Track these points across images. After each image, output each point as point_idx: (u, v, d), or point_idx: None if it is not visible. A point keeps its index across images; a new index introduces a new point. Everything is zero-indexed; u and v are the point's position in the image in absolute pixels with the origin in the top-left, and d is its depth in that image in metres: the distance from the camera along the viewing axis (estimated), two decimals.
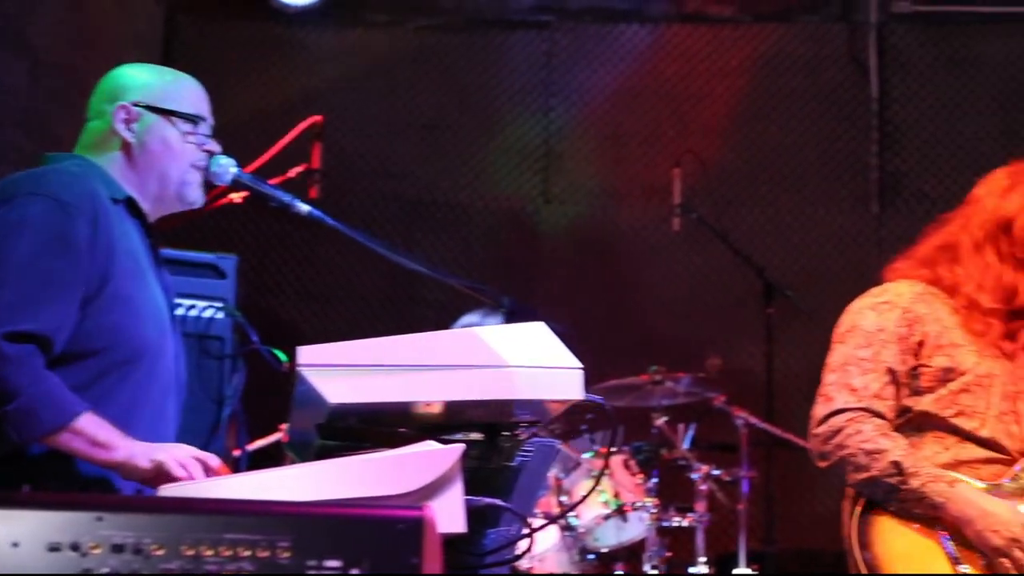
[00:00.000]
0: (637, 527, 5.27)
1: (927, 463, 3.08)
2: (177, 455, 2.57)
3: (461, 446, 2.24)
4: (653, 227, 6.51)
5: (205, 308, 3.84)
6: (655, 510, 5.21)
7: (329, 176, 6.49)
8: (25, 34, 4.98)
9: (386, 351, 2.36)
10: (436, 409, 2.45)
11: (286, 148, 4.68)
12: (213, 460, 2.55)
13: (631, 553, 5.41)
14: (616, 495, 5.27)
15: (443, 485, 2.19)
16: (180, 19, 6.76)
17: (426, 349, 2.38)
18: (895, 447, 3.06)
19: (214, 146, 2.97)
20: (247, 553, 1.74)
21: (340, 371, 2.35)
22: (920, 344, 3.17)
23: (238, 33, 6.77)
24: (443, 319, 5.84)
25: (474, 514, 2.47)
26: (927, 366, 3.16)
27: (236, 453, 4.07)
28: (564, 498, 5.31)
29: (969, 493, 3.04)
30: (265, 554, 1.75)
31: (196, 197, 2.93)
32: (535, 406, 2.58)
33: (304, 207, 2.94)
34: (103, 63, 5.38)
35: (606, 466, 5.34)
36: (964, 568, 3.01)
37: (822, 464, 3.14)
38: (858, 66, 6.63)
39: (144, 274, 2.80)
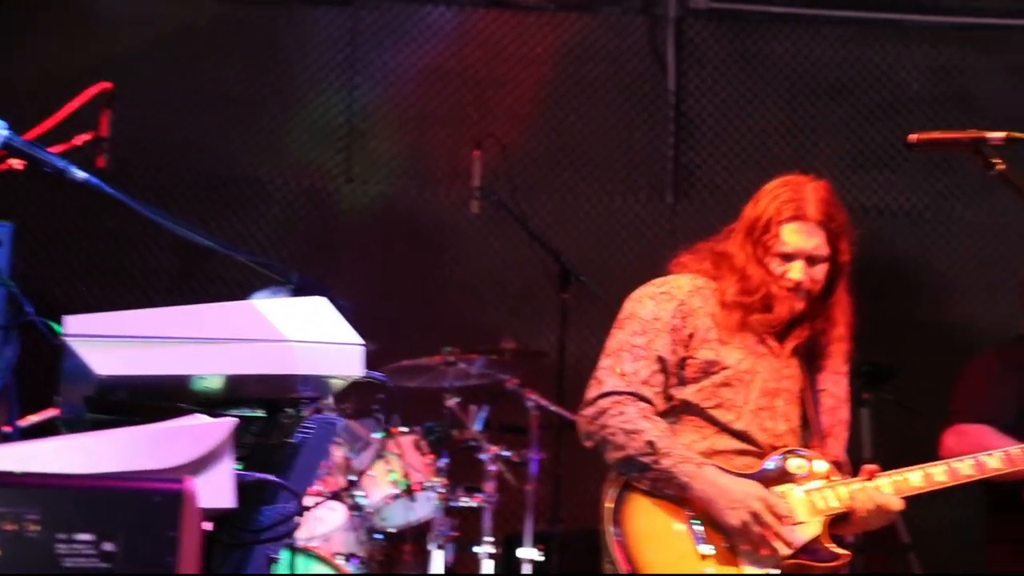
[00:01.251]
0: (425, 507, 5.29)
1: (681, 447, 3.22)
2: None
3: (232, 420, 2.20)
4: (454, 209, 6.53)
5: None
6: (443, 490, 5.24)
7: (124, 146, 6.29)
8: None
9: (160, 322, 2.30)
10: (213, 383, 2.41)
11: (80, 116, 4.52)
12: None
13: (419, 533, 5.43)
14: (405, 475, 5.28)
15: (212, 459, 2.15)
16: None
17: (202, 321, 2.33)
18: (653, 428, 3.21)
19: None
20: None
21: (109, 342, 2.29)
22: (691, 336, 3.32)
23: None
24: (239, 296, 5.73)
25: (249, 489, 2.44)
26: (694, 358, 3.31)
27: (6, 429, 3.93)
28: (353, 478, 5.29)
29: (713, 475, 3.19)
30: (12, 527, 1.69)
31: None
32: (316, 382, 2.55)
33: (81, 174, 2.84)
34: None
35: (383, 445, 5.33)
36: (706, 549, 3.17)
37: (588, 444, 3.30)
38: (657, 59, 6.78)
39: None
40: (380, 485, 5.30)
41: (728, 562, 3.18)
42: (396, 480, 5.30)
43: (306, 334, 2.38)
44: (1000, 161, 2.96)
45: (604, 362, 3.35)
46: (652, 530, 3.20)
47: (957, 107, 6.74)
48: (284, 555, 4.68)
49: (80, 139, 4.59)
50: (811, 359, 3.45)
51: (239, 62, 6.63)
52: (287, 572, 4.48)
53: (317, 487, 5.14)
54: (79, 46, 6.43)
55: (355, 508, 5.23)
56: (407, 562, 5.57)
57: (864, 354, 6.23)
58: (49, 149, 4.24)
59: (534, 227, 5.98)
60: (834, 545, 3.26)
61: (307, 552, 4.93)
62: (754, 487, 3.21)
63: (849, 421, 3.55)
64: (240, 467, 2.47)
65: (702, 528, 3.19)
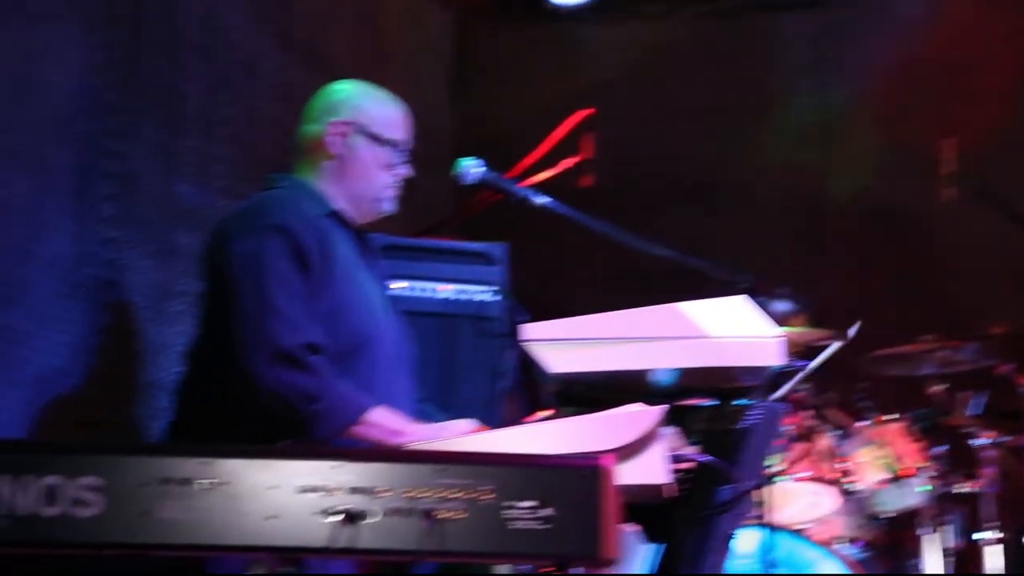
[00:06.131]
0: (919, 493, 5.30)
1: None
2: (461, 430, 2.87)
3: (662, 408, 2.51)
4: (931, 197, 6.42)
5: (478, 292, 4.27)
6: (935, 475, 5.22)
7: (611, 165, 6.81)
8: (320, 50, 5.29)
9: (595, 326, 2.68)
10: (660, 377, 2.74)
11: (560, 142, 4.98)
12: None
13: (914, 518, 5.44)
14: (895, 461, 5.33)
15: (646, 441, 2.46)
16: (469, 25, 7.18)
17: (633, 323, 2.68)
18: None
19: (407, 171, 3.28)
20: (458, 494, 2.09)
21: (558, 344, 2.69)
22: None
23: (517, 35, 7.14)
24: (718, 293, 6.01)
25: (706, 471, 2.75)
26: None
27: None
28: (841, 464, 5.41)
29: None
30: (472, 495, 2.09)
31: (389, 208, 3.24)
32: (753, 372, 2.81)
33: (540, 199, 3.29)
34: (397, 74, 5.85)
35: (869, 432, 5.38)
36: None
37: None
38: None
39: (355, 275, 3.10)
40: (870, 471, 5.39)
41: None
42: (886, 466, 5.37)
43: (726, 330, 2.67)
44: None
45: None
46: None
47: None
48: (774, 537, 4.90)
49: (567, 163, 5.08)
50: None
51: (711, 74, 6.94)
52: (766, 552, 4.67)
53: (806, 473, 5.33)
54: (564, 76, 7.01)
55: (847, 493, 5.34)
56: (910, 548, 5.60)
57: None
58: (540, 175, 4.78)
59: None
60: None
61: (800, 536, 5.12)
62: None
63: None
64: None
65: None
